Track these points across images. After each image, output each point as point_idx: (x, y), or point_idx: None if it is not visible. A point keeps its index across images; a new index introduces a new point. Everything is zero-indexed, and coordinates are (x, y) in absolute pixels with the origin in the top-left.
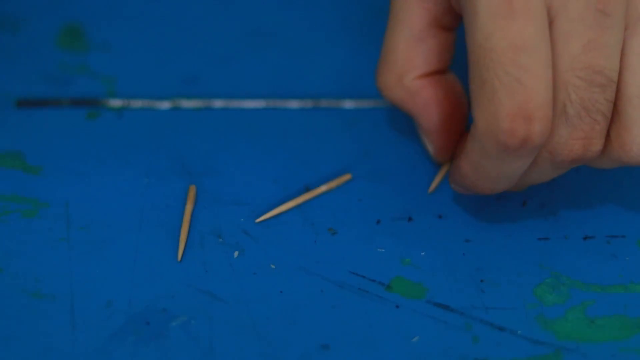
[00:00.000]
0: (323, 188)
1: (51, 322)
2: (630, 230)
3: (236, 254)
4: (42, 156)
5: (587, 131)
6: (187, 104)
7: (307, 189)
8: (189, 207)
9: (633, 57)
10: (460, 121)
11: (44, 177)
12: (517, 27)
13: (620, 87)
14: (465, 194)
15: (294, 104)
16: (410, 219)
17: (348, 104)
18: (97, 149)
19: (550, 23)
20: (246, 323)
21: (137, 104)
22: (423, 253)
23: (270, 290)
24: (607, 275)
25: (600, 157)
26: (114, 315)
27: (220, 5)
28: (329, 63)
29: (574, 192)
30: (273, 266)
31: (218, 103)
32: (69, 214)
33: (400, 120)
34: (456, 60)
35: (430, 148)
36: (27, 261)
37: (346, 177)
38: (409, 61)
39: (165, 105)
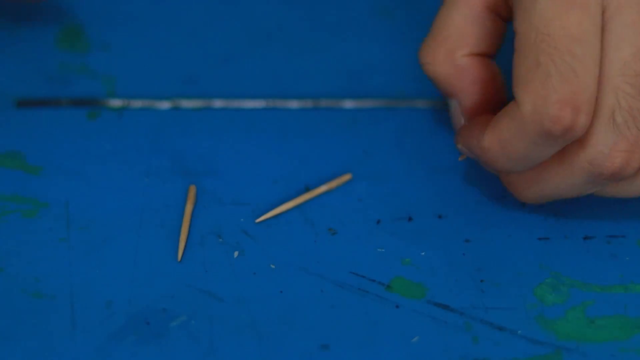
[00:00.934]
0: (323, 188)
1: (51, 322)
2: (630, 230)
3: (236, 254)
4: (42, 156)
5: (631, 142)
6: (187, 104)
7: (307, 189)
8: (189, 207)
9: None
10: (496, 106)
11: (44, 177)
12: (574, 18)
13: None
14: (470, 157)
15: (293, 104)
16: (410, 219)
17: (348, 104)
18: (97, 149)
19: (603, 25)
20: (246, 323)
21: (137, 104)
22: (423, 253)
23: (270, 290)
24: (607, 275)
25: (633, 178)
26: (114, 315)
27: (220, 5)
28: (329, 63)
29: None
30: (273, 266)
31: (218, 103)
32: (69, 214)
33: (401, 119)
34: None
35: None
36: (27, 261)
37: (346, 177)
38: (463, 38)
39: (165, 105)
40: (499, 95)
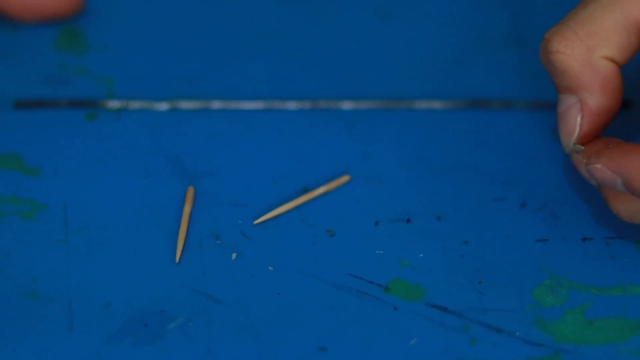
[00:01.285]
0: (321, 189)
1: (49, 324)
2: (629, 231)
3: (234, 255)
4: (40, 157)
5: None
6: (186, 105)
7: (306, 190)
8: (187, 209)
9: None
10: (614, 112)
11: (42, 178)
12: None
13: None
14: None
15: (292, 105)
16: (408, 221)
17: (346, 105)
18: (96, 150)
19: None
20: (244, 325)
21: (135, 105)
22: (421, 255)
23: (268, 292)
24: (605, 276)
25: None
26: (112, 316)
27: (217, 6)
28: (327, 64)
29: (573, 193)
30: (271, 268)
31: (216, 104)
32: (67, 216)
33: (399, 121)
34: None
35: (577, 130)
36: (25, 262)
37: (345, 178)
38: (608, 40)
39: (163, 106)
40: (617, 109)
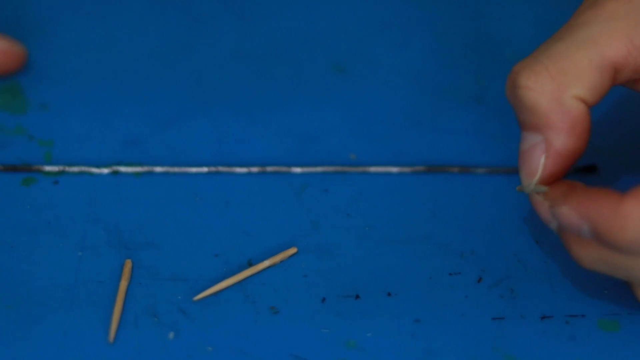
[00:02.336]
0: (266, 263)
1: None
2: (590, 308)
3: (171, 335)
4: None
5: None
6: (127, 169)
7: (250, 263)
8: (123, 284)
9: None
10: (579, 154)
11: None
12: None
13: None
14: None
15: (239, 169)
16: (357, 297)
17: (297, 170)
18: (30, 218)
19: None
20: None
21: (74, 169)
22: (369, 334)
23: None
24: (564, 358)
25: None
26: None
27: (163, 65)
28: (278, 125)
29: (532, 267)
30: (210, 348)
31: (159, 169)
32: None
33: (352, 187)
34: None
35: (539, 171)
36: None
37: (291, 250)
38: (580, 79)
39: (103, 171)
40: (582, 151)
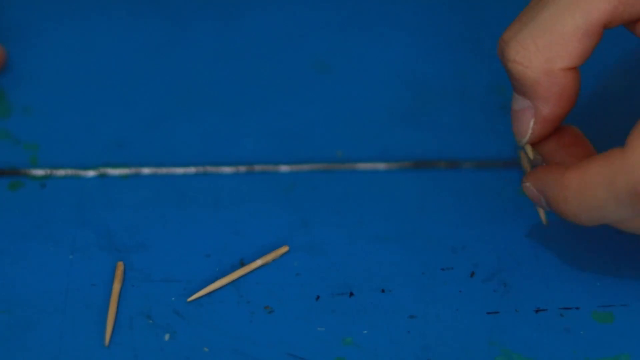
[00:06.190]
0: (259, 262)
1: None
2: (584, 301)
3: (167, 336)
4: None
5: None
6: (114, 172)
7: (242, 263)
8: (116, 286)
9: None
10: (566, 114)
11: None
12: None
13: None
14: (533, 200)
15: (226, 169)
16: (351, 294)
17: (284, 169)
18: (18, 223)
19: None
20: None
21: (60, 173)
22: (365, 331)
23: None
24: (560, 351)
25: None
26: None
27: (147, 66)
28: (264, 124)
29: (525, 260)
30: (206, 349)
31: (146, 170)
32: None
33: (341, 184)
34: None
35: (529, 133)
36: None
37: (283, 249)
38: (568, 50)
39: (90, 173)
40: (573, 106)
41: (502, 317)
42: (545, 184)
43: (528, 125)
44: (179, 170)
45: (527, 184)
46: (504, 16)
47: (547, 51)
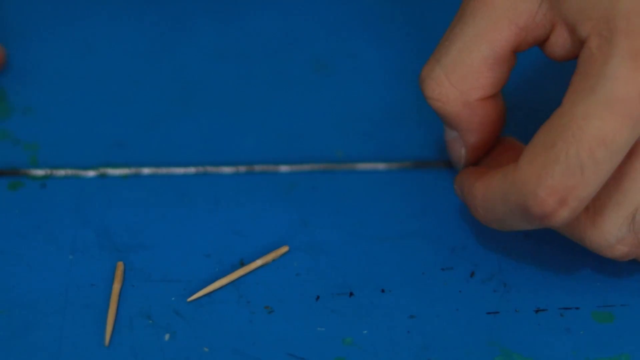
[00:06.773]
0: (259, 262)
1: None
2: (584, 301)
3: (167, 336)
4: None
5: (636, 244)
6: (114, 172)
7: (242, 263)
8: (116, 287)
9: None
10: (495, 137)
11: None
12: (615, 124)
13: None
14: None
15: (226, 169)
16: (351, 294)
17: (284, 169)
18: (18, 223)
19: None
20: None
21: (60, 173)
22: (365, 331)
23: None
24: (560, 351)
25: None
26: None
27: (147, 66)
28: (264, 124)
29: (523, 260)
30: (206, 349)
31: (146, 170)
32: None
33: (341, 185)
34: None
35: (463, 160)
36: None
37: (283, 249)
38: (479, 81)
39: (90, 173)
40: (501, 128)
41: (502, 317)
42: (462, 190)
43: (460, 153)
44: (179, 170)
45: (455, 187)
46: None
47: (460, 85)
